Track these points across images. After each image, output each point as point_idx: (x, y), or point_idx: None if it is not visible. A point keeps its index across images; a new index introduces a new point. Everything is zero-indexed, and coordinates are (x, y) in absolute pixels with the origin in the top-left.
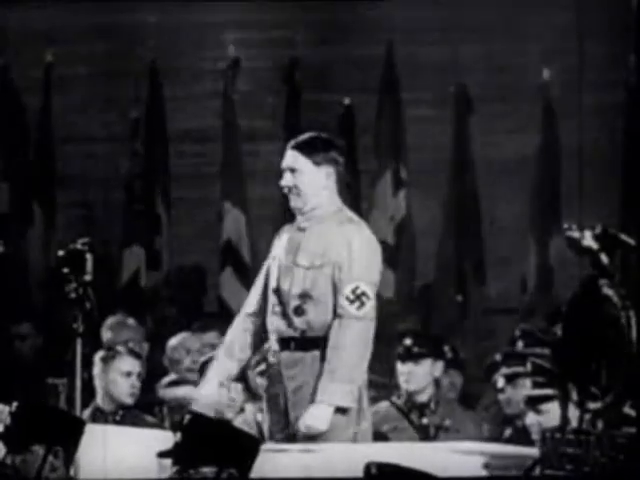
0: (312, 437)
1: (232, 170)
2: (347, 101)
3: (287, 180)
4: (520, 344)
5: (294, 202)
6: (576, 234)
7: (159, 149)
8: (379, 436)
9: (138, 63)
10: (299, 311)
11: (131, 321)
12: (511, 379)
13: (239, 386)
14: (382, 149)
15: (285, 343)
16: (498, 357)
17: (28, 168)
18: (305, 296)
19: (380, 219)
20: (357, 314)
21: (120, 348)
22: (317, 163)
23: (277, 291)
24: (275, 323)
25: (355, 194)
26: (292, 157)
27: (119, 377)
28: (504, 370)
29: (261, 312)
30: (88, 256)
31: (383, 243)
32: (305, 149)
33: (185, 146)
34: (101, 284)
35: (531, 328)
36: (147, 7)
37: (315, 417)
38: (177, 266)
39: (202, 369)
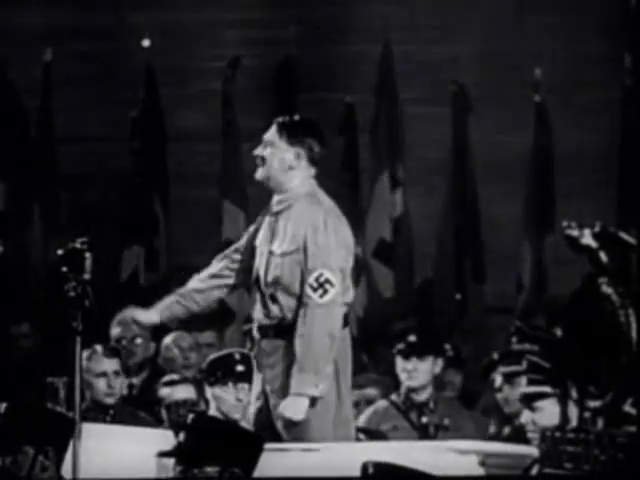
0: (292, 425)
1: (232, 170)
2: (347, 99)
3: (259, 150)
4: (514, 340)
5: (259, 173)
6: (575, 232)
7: (158, 149)
8: (378, 435)
9: (137, 62)
10: (273, 299)
11: None
12: (509, 378)
13: (246, 386)
14: (380, 148)
15: (264, 331)
16: (495, 356)
17: (27, 168)
18: (276, 283)
19: (378, 218)
20: (320, 302)
21: (98, 348)
22: (290, 143)
23: (257, 280)
24: (256, 312)
25: (355, 192)
26: (272, 131)
27: (93, 378)
28: (501, 369)
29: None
30: (87, 255)
31: (382, 241)
32: (284, 127)
33: (184, 146)
34: (100, 283)
35: (522, 325)
36: (146, 6)
37: (290, 408)
38: (176, 266)
39: (211, 369)
